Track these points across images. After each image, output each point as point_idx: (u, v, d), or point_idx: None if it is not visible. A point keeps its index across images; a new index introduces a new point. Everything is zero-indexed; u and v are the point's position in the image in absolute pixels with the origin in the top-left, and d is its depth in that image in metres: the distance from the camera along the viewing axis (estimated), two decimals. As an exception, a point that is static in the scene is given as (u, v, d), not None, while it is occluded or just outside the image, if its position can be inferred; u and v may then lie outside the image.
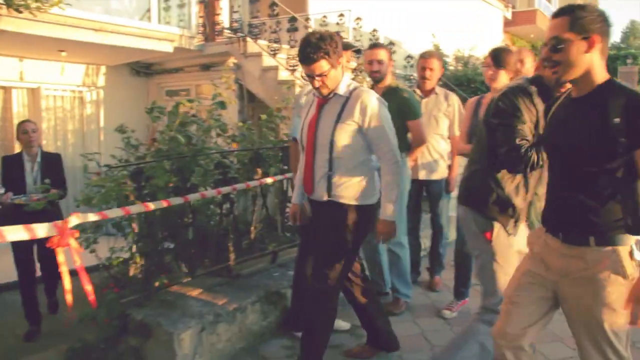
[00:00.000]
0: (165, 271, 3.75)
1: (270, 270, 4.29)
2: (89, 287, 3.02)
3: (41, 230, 2.88)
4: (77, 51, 8.08)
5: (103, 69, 9.48)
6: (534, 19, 24.42)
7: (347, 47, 3.55)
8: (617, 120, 1.91)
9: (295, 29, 8.22)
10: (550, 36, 2.02)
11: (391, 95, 3.82)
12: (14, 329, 4.87)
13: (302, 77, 6.82)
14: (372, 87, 4.04)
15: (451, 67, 14.10)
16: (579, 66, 1.99)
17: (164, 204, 3.43)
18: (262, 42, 8.50)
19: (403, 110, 3.89)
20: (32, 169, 4.77)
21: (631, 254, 2.02)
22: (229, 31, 9.07)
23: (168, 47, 8.33)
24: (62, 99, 9.11)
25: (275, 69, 8.16)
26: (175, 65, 9.77)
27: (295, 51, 8.26)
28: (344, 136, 2.91)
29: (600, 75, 2.01)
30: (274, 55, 8.21)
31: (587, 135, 1.98)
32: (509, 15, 22.54)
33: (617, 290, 1.99)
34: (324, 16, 9.81)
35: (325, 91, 2.93)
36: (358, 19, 10.13)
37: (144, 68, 10.06)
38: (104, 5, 7.70)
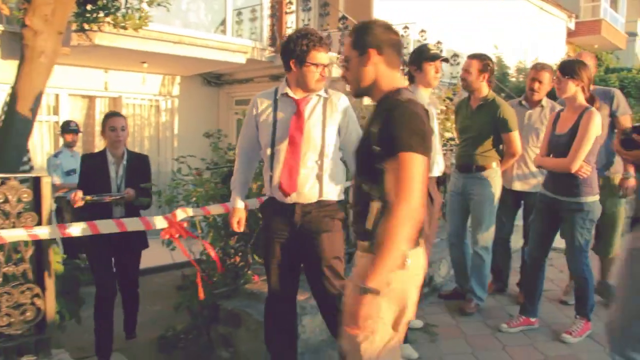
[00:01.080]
0: (250, 266, 4.06)
1: (346, 270, 4.51)
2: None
3: (158, 221, 3.25)
4: (157, 62, 8.62)
5: (178, 79, 10.04)
6: (599, 29, 23.85)
7: (435, 57, 3.56)
8: (374, 129, 1.96)
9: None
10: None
11: (488, 107, 4.10)
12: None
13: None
14: (468, 97, 4.33)
15: (512, 79, 14.08)
16: (363, 79, 2.07)
17: (257, 202, 3.73)
18: (332, 54, 8.82)
19: (497, 122, 4.08)
20: (116, 173, 4.05)
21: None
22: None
23: (241, 59, 8.76)
24: (141, 107, 9.70)
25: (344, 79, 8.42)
26: (245, 75, 10.20)
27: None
28: (332, 136, 2.97)
29: (387, 85, 2.05)
30: (344, 67, 8.49)
31: (359, 143, 2.10)
32: (572, 26, 22.16)
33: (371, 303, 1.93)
34: (388, 28, 10.04)
35: (321, 86, 2.94)
36: (422, 31, 10.32)
37: (215, 78, 10.57)
38: (183, 20, 8.21)
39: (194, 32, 8.16)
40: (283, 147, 2.93)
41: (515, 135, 4.12)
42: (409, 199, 1.86)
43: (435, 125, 3.58)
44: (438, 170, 3.68)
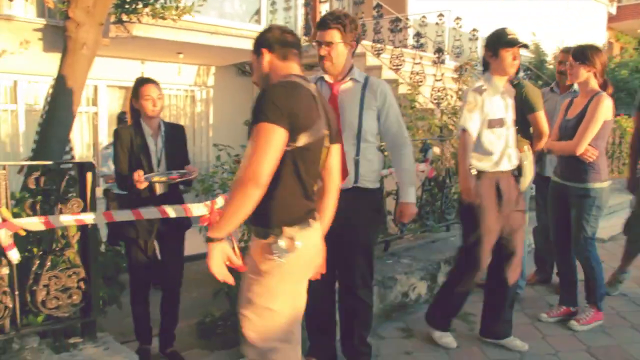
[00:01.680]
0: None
1: (384, 257, 4.51)
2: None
3: (198, 208, 3.28)
4: (192, 53, 8.69)
5: (213, 69, 10.11)
6: (643, 13, 23.10)
7: (513, 43, 3.29)
8: None
9: (399, 30, 8.41)
10: None
11: (514, 88, 3.84)
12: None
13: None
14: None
15: (550, 67, 13.76)
16: (261, 73, 2.28)
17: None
18: (366, 43, 8.75)
19: (522, 103, 3.88)
20: (156, 146, 3.56)
21: (269, 247, 2.07)
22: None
23: (275, 48, 8.76)
24: (176, 98, 9.81)
25: (379, 68, 8.39)
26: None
27: (398, 51, 8.54)
28: (370, 121, 2.96)
29: (279, 75, 2.19)
30: (378, 55, 8.44)
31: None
32: (614, 10, 21.49)
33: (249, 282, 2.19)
34: (423, 16, 9.91)
35: (328, 65, 2.90)
36: (457, 18, 10.14)
37: (250, 68, 10.59)
38: (218, 10, 8.25)
39: (230, 22, 8.19)
40: None
41: (541, 115, 3.96)
42: (253, 166, 1.90)
43: (509, 116, 3.41)
44: (510, 164, 3.44)
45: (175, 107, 9.85)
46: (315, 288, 3.14)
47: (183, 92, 9.87)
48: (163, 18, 5.32)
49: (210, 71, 10.11)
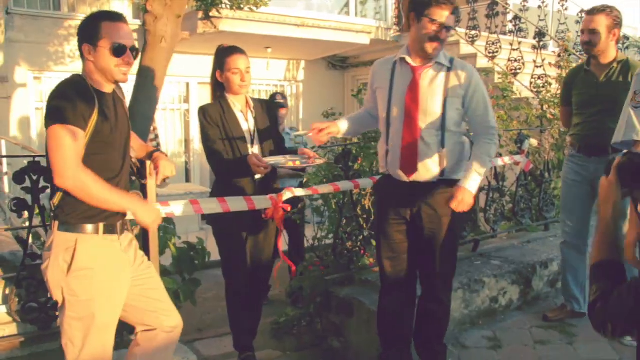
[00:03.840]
0: (367, 252, 3.82)
1: (472, 258, 4.15)
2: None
3: (262, 201, 3.08)
4: (280, 47, 8.65)
5: (302, 63, 10.05)
6: None
7: None
8: None
9: (497, 14, 7.86)
10: None
11: (621, 70, 3.31)
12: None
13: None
14: (587, 63, 3.47)
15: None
16: None
17: (370, 182, 3.49)
18: (460, 30, 8.27)
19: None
20: (247, 123, 3.16)
21: None
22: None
23: (365, 39, 8.54)
24: (266, 93, 9.84)
25: (474, 56, 7.90)
26: (370, 57, 9.94)
27: (495, 38, 7.99)
28: (454, 109, 2.69)
29: None
30: (472, 42, 7.96)
31: None
32: None
33: None
34: (524, 0, 9.24)
35: (436, 52, 2.62)
36: (562, 0, 9.37)
37: (339, 62, 10.44)
38: (305, 1, 8.14)
39: (317, 13, 8.07)
40: (399, 120, 2.71)
41: None
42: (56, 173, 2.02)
43: None
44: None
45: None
46: (390, 290, 2.94)
47: (273, 87, 9.87)
48: (240, 8, 5.25)
49: (300, 65, 10.05)
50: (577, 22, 9.22)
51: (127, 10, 8.17)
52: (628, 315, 1.48)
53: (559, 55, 7.04)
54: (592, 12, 3.32)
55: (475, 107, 2.72)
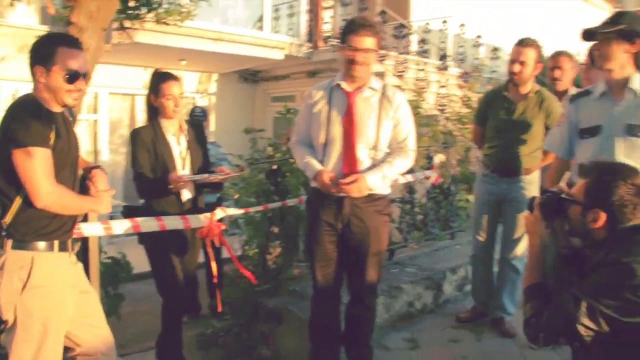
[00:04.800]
0: (293, 263, 4.00)
1: (388, 266, 4.43)
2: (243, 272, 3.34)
3: (197, 220, 3.20)
4: (195, 60, 8.66)
5: (215, 76, 10.07)
6: (644, 21, 23.09)
7: None
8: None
9: (404, 36, 8.37)
10: None
11: (536, 100, 3.61)
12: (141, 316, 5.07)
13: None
14: (507, 89, 3.71)
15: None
16: None
17: (296, 200, 3.68)
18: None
19: (547, 116, 3.59)
20: (178, 146, 3.28)
21: None
22: (335, 39, 9.39)
23: (279, 55, 8.75)
24: (179, 105, 9.77)
25: (383, 74, 8.34)
26: (281, 72, 10.19)
27: (402, 58, 8.50)
28: (386, 132, 2.92)
29: None
30: (382, 61, 8.40)
31: None
32: (616, 18, 21.49)
33: None
34: (427, 23, 9.88)
35: (359, 73, 2.83)
36: (461, 25, 10.11)
37: (251, 75, 10.57)
38: (221, 16, 8.22)
39: (233, 28, 8.17)
40: (336, 140, 2.91)
41: None
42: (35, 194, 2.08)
43: None
44: None
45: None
46: (321, 295, 3.13)
47: (185, 99, 9.80)
48: (166, 24, 5.27)
49: (212, 78, 10.08)
50: (474, 45, 10.01)
51: (33, 16, 7.84)
52: (556, 329, 1.79)
53: (461, 77, 7.61)
54: (523, 44, 3.56)
55: (399, 131, 2.95)
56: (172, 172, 3.16)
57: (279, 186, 3.79)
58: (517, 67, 3.55)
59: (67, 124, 2.32)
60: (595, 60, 2.76)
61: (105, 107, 8.96)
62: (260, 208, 3.61)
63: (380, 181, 2.90)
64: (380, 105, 2.90)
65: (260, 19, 9.28)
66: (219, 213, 3.28)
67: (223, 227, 3.29)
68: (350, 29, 2.83)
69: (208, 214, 3.25)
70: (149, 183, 3.21)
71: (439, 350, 3.64)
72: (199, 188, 3.35)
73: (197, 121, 3.77)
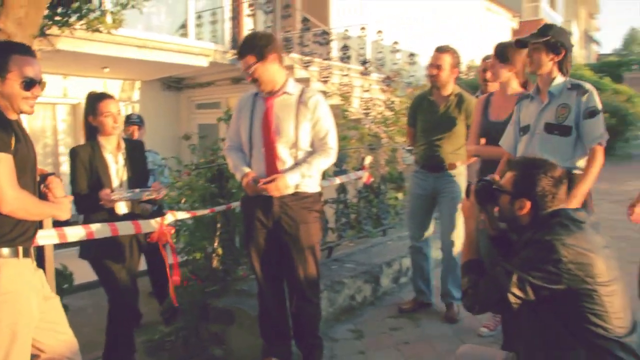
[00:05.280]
0: (239, 264, 4.12)
1: (328, 264, 4.64)
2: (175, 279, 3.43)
3: (149, 225, 3.27)
4: (118, 67, 8.52)
5: (138, 84, 9.93)
6: (541, 28, 24.86)
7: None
8: None
9: (327, 43, 8.65)
10: None
11: (457, 103, 3.97)
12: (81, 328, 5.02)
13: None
14: (429, 93, 4.09)
15: (463, 77, 14.54)
16: None
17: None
18: (295, 55, 8.91)
19: (468, 118, 3.91)
20: (116, 164, 3.43)
21: None
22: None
23: (204, 62, 8.78)
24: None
25: (308, 80, 8.58)
26: (206, 79, 10.19)
27: (327, 64, 8.77)
28: (305, 132, 3.11)
29: None
30: (306, 67, 8.63)
31: None
32: (516, 25, 23.01)
33: None
34: (346, 29, 10.22)
35: (260, 85, 3.06)
36: (379, 31, 10.54)
37: (175, 82, 10.50)
38: (145, 23, 8.15)
39: (158, 35, 8.11)
40: (258, 142, 3.14)
41: None
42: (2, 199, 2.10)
43: None
44: None
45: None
46: (265, 292, 3.31)
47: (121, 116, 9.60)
48: (99, 31, 5.22)
49: (135, 86, 9.92)
50: (392, 51, 10.48)
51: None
52: (489, 299, 2.05)
53: (383, 81, 7.98)
54: (440, 50, 3.96)
55: (319, 130, 3.15)
56: (107, 187, 3.32)
57: (224, 189, 3.90)
58: (434, 71, 3.96)
59: (22, 130, 2.34)
60: (529, 65, 3.11)
61: (24, 116, 8.60)
62: (207, 211, 3.71)
63: (300, 179, 3.09)
64: (297, 107, 3.11)
65: (183, 26, 9.28)
66: (169, 217, 3.38)
67: (172, 230, 3.39)
68: (238, 53, 3.11)
69: (159, 219, 3.33)
70: (85, 200, 3.33)
71: (382, 338, 3.88)
72: (135, 201, 3.47)
73: (134, 142, 3.86)
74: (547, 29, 3.01)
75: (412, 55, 10.51)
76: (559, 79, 3.01)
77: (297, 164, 3.10)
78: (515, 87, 3.57)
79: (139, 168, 3.58)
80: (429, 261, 4.27)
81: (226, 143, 3.39)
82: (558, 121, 2.96)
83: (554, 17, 27.63)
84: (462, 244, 2.45)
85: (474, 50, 15.41)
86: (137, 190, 3.37)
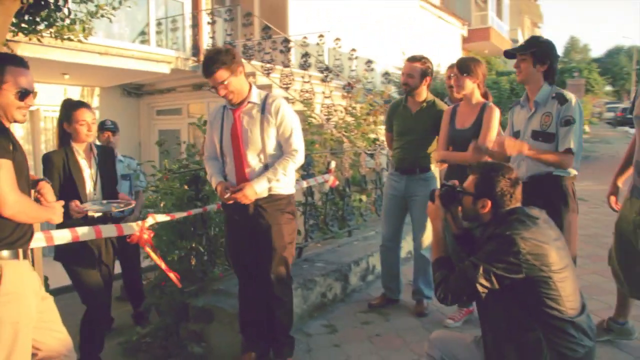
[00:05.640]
0: (215, 265, 4.26)
1: (299, 263, 4.82)
2: (172, 275, 3.56)
3: (130, 228, 3.39)
4: (78, 74, 8.48)
5: (97, 90, 9.87)
6: (488, 36, 25.81)
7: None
8: None
9: (288, 50, 8.83)
10: None
11: (429, 109, 4.20)
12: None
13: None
14: (405, 99, 4.32)
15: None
16: None
17: (215, 206, 3.96)
18: (256, 63, 9.07)
19: (438, 123, 4.06)
20: (90, 169, 3.58)
21: None
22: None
23: (165, 69, 8.83)
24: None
25: (270, 87, 8.74)
26: (167, 85, 10.22)
27: (288, 71, 8.94)
28: (271, 137, 3.27)
29: None
30: (268, 74, 8.80)
31: None
32: (465, 33, 23.80)
33: None
34: (305, 37, 10.43)
35: (233, 98, 3.22)
36: (337, 39, 10.78)
37: (135, 89, 10.48)
38: (105, 30, 8.14)
39: (120, 42, 8.12)
40: (229, 151, 3.34)
41: None
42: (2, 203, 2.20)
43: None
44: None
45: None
46: (243, 290, 3.50)
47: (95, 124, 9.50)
48: (70, 39, 5.24)
49: (94, 92, 9.86)
50: (349, 58, 10.75)
51: None
52: (460, 290, 2.29)
53: (344, 88, 8.22)
54: (411, 60, 4.22)
55: (283, 133, 3.32)
56: (82, 192, 3.47)
57: (200, 192, 4.04)
58: (406, 79, 4.22)
59: (14, 137, 2.45)
60: (517, 74, 3.39)
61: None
62: (184, 214, 3.83)
63: (267, 184, 3.26)
64: (262, 115, 3.28)
65: (143, 33, 9.30)
66: (150, 220, 3.51)
67: (151, 233, 3.52)
68: (204, 69, 3.19)
69: (140, 222, 3.47)
70: None
71: (354, 331, 4.09)
72: (105, 213, 3.59)
73: (105, 147, 4.00)
74: (534, 41, 3.32)
75: (369, 62, 10.80)
76: (545, 89, 3.30)
77: (265, 168, 3.28)
78: (478, 96, 3.85)
79: (110, 172, 3.76)
80: (399, 260, 4.50)
81: (205, 154, 3.57)
82: (542, 128, 3.27)
83: (501, 25, 28.69)
84: (431, 243, 2.69)
85: (429, 57, 15.97)
86: (105, 202, 3.54)
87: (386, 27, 15.04)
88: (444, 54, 17.78)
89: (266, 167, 3.29)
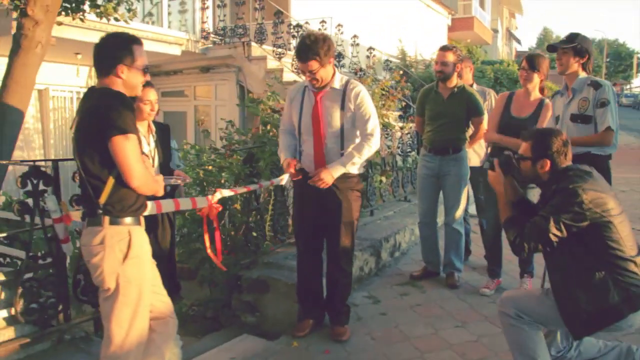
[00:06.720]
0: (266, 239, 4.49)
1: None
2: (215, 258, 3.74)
3: (201, 201, 3.57)
4: (89, 53, 8.46)
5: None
6: (472, 26, 26.27)
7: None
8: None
9: (298, 33, 8.99)
10: None
11: (460, 94, 4.51)
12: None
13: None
14: (436, 85, 4.61)
15: (412, 70, 15.34)
16: None
17: (268, 183, 4.17)
18: (267, 47, 9.21)
19: (471, 107, 4.50)
20: (148, 146, 3.68)
21: None
22: (215, 35, 9.68)
23: (177, 50, 8.91)
24: (70, 100, 9.45)
25: (281, 70, 8.90)
26: (172, 67, 10.27)
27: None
28: (349, 122, 3.50)
29: None
30: (279, 59, 8.96)
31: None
32: (450, 22, 24.19)
33: None
34: (306, 22, 10.58)
35: (317, 83, 3.43)
36: (339, 25, 10.96)
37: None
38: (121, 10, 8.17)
39: (135, 24, 8.14)
40: (308, 130, 3.56)
41: (486, 118, 4.64)
42: (132, 175, 2.36)
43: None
44: None
45: (64, 109, 9.47)
46: (305, 259, 3.74)
47: (76, 93, 9.52)
48: (117, 20, 5.32)
49: (101, 72, 9.85)
50: (352, 44, 10.95)
51: None
52: (535, 240, 2.58)
53: (356, 74, 8.44)
54: (444, 49, 4.54)
55: (360, 118, 3.54)
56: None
57: (255, 169, 4.25)
58: (439, 67, 4.53)
59: None
60: (557, 67, 3.71)
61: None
62: (244, 189, 4.02)
63: (342, 170, 3.47)
64: (342, 101, 3.51)
65: (149, 14, 9.34)
66: (217, 195, 3.69)
67: (220, 207, 3.70)
68: (297, 56, 3.43)
69: (210, 196, 3.65)
70: None
71: (395, 301, 4.36)
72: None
73: (163, 125, 4.12)
74: (575, 36, 3.65)
75: (371, 49, 11.01)
76: (582, 77, 3.65)
77: (341, 153, 3.51)
78: (537, 94, 4.19)
79: (166, 149, 3.89)
80: (437, 234, 4.80)
81: (281, 126, 3.82)
82: (580, 112, 3.62)
83: (484, 15, 29.17)
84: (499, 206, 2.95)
85: (422, 46, 16.25)
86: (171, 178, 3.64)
87: (388, 17, 15.28)
88: (431, 42, 18.12)
89: (342, 148, 3.50)
